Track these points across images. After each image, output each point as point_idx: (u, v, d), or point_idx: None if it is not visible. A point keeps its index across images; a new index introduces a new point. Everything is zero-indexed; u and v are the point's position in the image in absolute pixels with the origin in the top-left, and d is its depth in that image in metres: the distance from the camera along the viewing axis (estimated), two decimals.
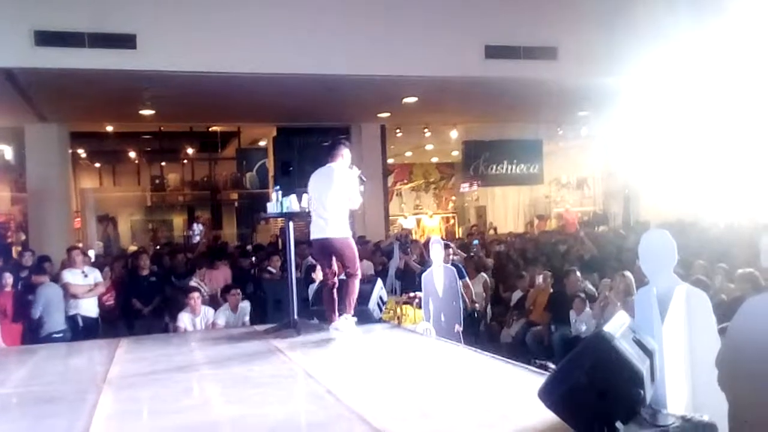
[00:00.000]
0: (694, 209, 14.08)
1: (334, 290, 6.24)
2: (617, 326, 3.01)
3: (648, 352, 2.99)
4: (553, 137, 17.58)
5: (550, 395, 2.82)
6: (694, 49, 10.35)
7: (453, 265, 8.24)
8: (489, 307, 10.62)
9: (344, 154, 6.36)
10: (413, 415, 3.75)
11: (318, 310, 6.81)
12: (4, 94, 10.28)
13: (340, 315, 6.14)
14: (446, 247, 8.54)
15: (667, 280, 3.46)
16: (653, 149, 14.95)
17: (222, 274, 9.76)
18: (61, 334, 7.78)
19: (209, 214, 22.48)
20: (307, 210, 6.46)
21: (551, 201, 21.29)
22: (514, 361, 4.88)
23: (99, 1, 8.98)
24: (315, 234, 6.22)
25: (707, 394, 3.13)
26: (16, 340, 7.38)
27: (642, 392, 2.76)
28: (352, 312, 6.18)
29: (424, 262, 9.37)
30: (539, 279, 9.84)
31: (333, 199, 6.10)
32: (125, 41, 9.01)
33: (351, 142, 14.78)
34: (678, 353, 3.36)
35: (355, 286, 6.21)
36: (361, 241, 13.10)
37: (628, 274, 7.79)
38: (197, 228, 19.62)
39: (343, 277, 6.32)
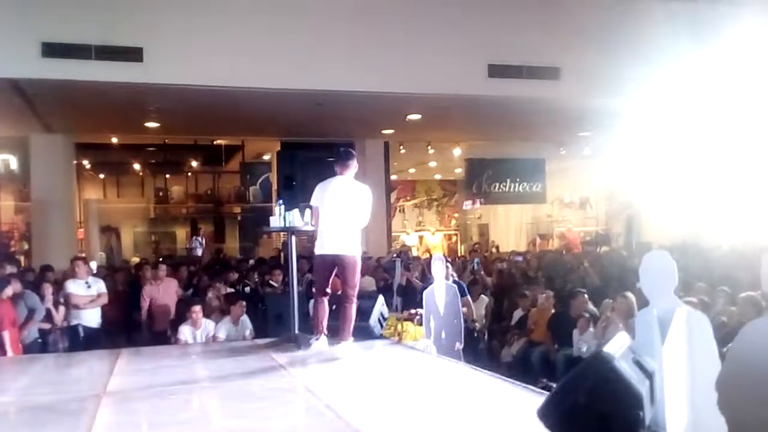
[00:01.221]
0: (697, 231, 14.07)
1: (326, 304, 6.05)
2: (617, 347, 3.00)
3: (648, 374, 2.98)
4: (556, 156, 17.61)
5: (548, 415, 2.80)
6: (696, 71, 10.41)
7: (455, 282, 8.23)
8: (487, 326, 10.61)
9: (355, 166, 6.19)
10: (412, 431, 3.75)
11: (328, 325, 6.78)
12: (11, 104, 10.35)
13: (339, 341, 5.93)
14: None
15: (668, 302, 3.45)
16: (656, 170, 14.98)
17: (169, 288, 9.30)
18: (41, 340, 7.80)
19: (212, 227, 22.53)
20: (311, 222, 6.29)
21: (554, 220, 21.30)
22: (513, 380, 4.87)
23: (106, 14, 9.04)
24: (327, 248, 5.97)
25: (707, 417, 3.11)
26: (18, 348, 7.39)
27: (641, 414, 2.75)
28: (351, 337, 6.04)
29: (426, 279, 9.37)
30: (541, 298, 9.81)
31: (353, 214, 5.96)
32: (132, 54, 9.08)
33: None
34: (678, 375, 3.35)
35: (353, 311, 6.04)
36: (362, 256, 13.12)
37: (629, 295, 7.76)
38: (195, 241, 19.69)
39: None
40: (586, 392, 2.69)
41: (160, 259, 17.18)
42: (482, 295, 10.58)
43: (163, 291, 9.17)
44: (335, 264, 6.01)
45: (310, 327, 6.84)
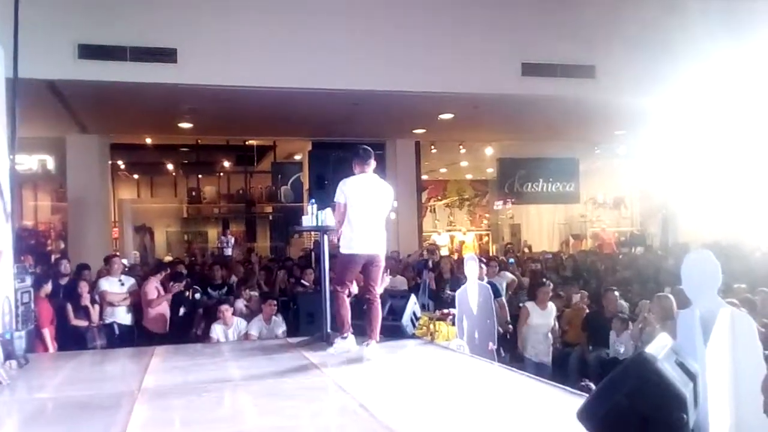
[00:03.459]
0: (734, 232, 13.80)
1: (347, 301, 5.98)
2: (659, 348, 2.93)
3: (691, 376, 2.90)
4: (590, 156, 17.42)
5: (589, 417, 2.74)
6: (733, 69, 10.21)
7: (488, 282, 8.15)
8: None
9: (374, 164, 6.07)
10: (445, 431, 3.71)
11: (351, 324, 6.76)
12: (48, 105, 10.51)
13: (368, 341, 5.84)
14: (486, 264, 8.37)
15: (711, 302, 3.37)
16: (691, 170, 14.74)
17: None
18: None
19: (244, 227, 22.70)
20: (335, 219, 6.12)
21: (587, 220, 21.06)
22: (548, 381, 4.80)
23: (141, 16, 9.17)
24: (360, 248, 5.82)
25: (751, 421, 3.04)
26: (55, 345, 7.50)
27: (685, 417, 2.67)
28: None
29: (458, 280, 9.28)
30: (576, 298, 9.68)
31: (381, 212, 5.94)
32: (166, 55, 9.19)
33: (386, 157, 14.86)
34: (721, 378, 3.27)
35: (380, 310, 6.00)
36: (393, 256, 13.09)
37: (667, 295, 7.63)
38: (224, 240, 19.88)
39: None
40: (627, 394, 2.63)
41: (193, 258, 17.37)
42: (551, 302, 8.93)
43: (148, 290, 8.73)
44: (366, 263, 5.89)
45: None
